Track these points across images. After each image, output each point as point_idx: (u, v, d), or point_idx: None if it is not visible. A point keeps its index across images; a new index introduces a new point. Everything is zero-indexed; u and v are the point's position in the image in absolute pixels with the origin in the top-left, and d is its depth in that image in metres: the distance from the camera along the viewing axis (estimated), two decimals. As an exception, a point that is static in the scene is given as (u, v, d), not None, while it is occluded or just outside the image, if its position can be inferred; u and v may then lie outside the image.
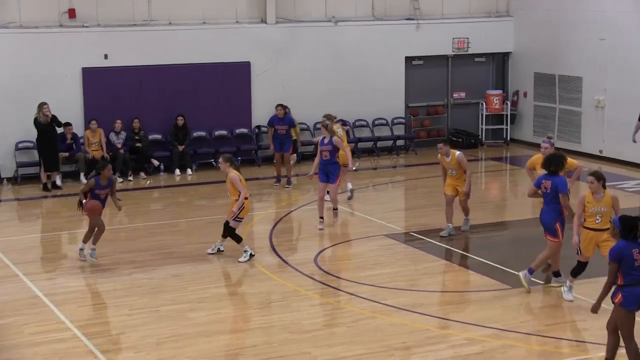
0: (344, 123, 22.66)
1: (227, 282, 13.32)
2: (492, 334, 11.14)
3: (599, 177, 11.57)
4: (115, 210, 18.30)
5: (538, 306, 12.24)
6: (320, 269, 13.91)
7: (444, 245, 15.07)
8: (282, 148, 19.86)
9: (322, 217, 16.09)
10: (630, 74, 21.21)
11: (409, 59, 23.97)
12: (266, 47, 22.43)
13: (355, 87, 23.22)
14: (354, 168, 21.06)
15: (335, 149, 16.12)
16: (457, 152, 15.20)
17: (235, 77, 22.24)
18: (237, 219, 14.07)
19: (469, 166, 15.27)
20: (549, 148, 13.84)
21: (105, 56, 21.10)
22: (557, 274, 12.91)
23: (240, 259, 14.11)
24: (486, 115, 24.68)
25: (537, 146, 23.56)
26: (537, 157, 14.09)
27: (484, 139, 24.74)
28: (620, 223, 9.53)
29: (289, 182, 19.79)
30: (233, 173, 14.01)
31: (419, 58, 24.17)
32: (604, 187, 11.65)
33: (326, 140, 16.15)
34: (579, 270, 12.09)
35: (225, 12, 22.34)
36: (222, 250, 14.49)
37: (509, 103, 24.68)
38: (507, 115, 24.66)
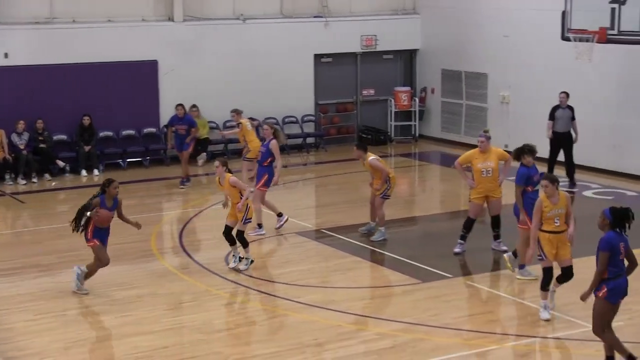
0: (252, 120, 22.60)
1: (137, 284, 13.09)
2: (403, 328, 11.20)
3: (553, 180, 11.22)
4: (20, 212, 17.86)
5: (448, 299, 12.35)
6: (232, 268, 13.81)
7: (355, 242, 15.10)
8: (182, 147, 19.58)
9: (278, 214, 15.87)
10: (533, 70, 21.62)
11: (317, 57, 24.01)
12: (173, 45, 22.18)
13: (264, 85, 23.13)
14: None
15: (268, 153, 15.63)
16: (371, 157, 14.95)
17: (142, 75, 21.94)
18: (247, 221, 13.50)
19: (385, 169, 15.05)
20: (485, 142, 13.93)
21: (6, 55, 20.57)
22: (521, 266, 12.92)
23: (241, 267, 13.45)
24: (395, 112, 24.88)
25: (445, 142, 23.97)
26: (472, 153, 14.07)
27: (392, 135, 24.93)
28: (612, 214, 9.39)
29: (182, 182, 19.45)
30: (233, 176, 13.53)
31: (328, 55, 24.24)
32: (558, 188, 11.30)
33: (265, 142, 16.01)
34: (547, 279, 11.36)
35: (130, 10, 22.01)
36: (242, 258, 13.62)
37: (417, 99, 24.93)
38: (415, 111, 24.90)
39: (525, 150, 12.86)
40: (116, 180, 12.48)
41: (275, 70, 23.27)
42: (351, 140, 24.33)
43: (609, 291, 9.32)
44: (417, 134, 25.04)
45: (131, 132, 21.90)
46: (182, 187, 19.38)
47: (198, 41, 22.45)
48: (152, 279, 13.38)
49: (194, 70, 22.36)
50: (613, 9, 17.43)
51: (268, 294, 12.61)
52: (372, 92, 24.96)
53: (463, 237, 14.26)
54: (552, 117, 19.04)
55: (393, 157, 23.34)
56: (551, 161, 19.21)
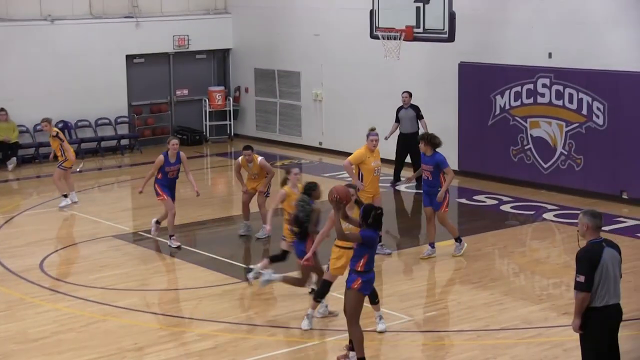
0: (65, 124, 22.11)
1: (-55, 296, 12.57)
2: (224, 329, 11.27)
3: (359, 202, 10.86)
4: None
5: (268, 297, 12.50)
6: (47, 274, 13.47)
7: (174, 243, 15.04)
8: None
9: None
10: (344, 68, 22.14)
11: (129, 57, 23.69)
12: (-23, 46, 21.37)
13: (76, 87, 22.64)
14: (78, 169, 20.58)
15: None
16: (259, 158, 15.04)
17: (-56, 78, 21.04)
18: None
19: (270, 168, 15.19)
20: (378, 140, 13.82)
21: None
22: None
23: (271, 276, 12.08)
24: (209, 111, 24.88)
25: (260, 140, 24.15)
26: (364, 152, 13.74)
27: (208, 135, 24.93)
28: (363, 211, 9.66)
29: None
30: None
31: (140, 56, 23.97)
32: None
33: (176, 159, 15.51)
34: (323, 291, 11.14)
35: None
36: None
37: (231, 99, 25.03)
38: (230, 111, 25.00)
39: (423, 139, 13.90)
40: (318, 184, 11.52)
41: (87, 71, 22.80)
42: (166, 141, 24.10)
43: (363, 283, 9.66)
44: (232, 133, 25.14)
45: None
46: None
47: (4, 43, 21.70)
48: (-39, 290, 12.88)
49: (1, 72, 21.58)
50: (418, 8, 18.06)
51: (85, 299, 12.37)
52: (186, 92, 24.86)
53: None
54: (397, 118, 18.84)
55: (209, 156, 23.35)
56: (398, 162, 18.91)
